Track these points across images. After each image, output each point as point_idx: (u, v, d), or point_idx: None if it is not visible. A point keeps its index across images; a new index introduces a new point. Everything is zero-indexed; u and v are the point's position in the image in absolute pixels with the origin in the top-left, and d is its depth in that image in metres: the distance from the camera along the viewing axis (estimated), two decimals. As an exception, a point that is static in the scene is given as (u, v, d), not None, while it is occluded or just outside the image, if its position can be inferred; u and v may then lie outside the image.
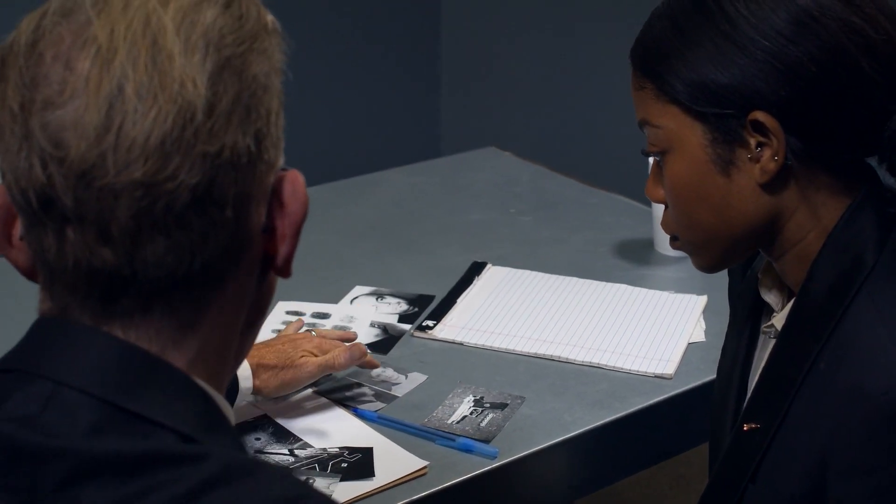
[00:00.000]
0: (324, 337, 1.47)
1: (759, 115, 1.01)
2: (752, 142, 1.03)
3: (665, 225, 1.15)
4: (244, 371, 1.36)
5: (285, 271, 0.75)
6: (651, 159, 1.13)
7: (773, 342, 1.12)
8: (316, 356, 1.41)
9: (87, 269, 0.67)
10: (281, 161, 0.73)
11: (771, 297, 1.15)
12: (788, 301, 1.12)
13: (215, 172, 0.67)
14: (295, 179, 0.74)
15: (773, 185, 1.04)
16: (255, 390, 1.38)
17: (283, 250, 0.74)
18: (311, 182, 2.34)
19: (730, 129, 1.03)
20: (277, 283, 1.85)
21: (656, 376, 1.51)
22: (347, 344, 1.45)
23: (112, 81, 0.65)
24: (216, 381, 0.73)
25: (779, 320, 1.11)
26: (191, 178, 0.66)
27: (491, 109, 3.78)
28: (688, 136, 1.05)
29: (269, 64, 0.71)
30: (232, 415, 0.75)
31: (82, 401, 0.67)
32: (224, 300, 0.71)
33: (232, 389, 1.34)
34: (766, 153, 1.03)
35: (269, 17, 0.73)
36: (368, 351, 1.48)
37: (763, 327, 1.15)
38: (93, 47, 0.66)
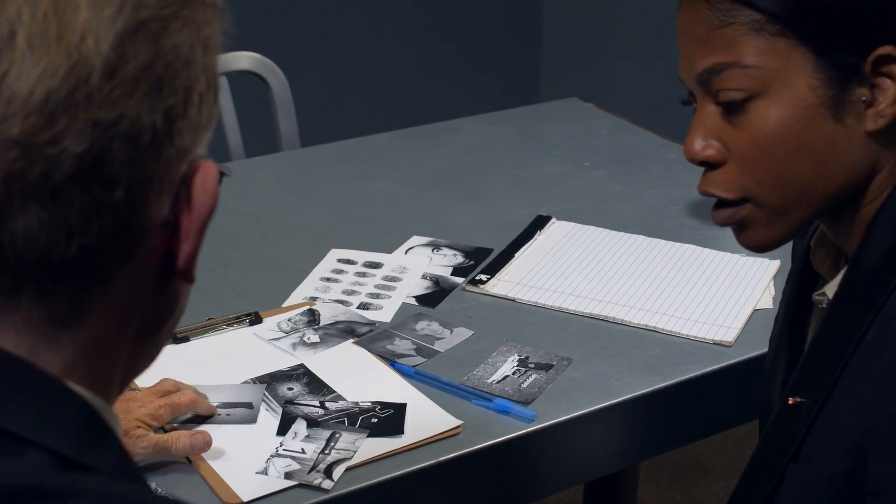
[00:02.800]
0: (160, 393, 1.26)
1: (890, 50, 0.90)
2: (870, 81, 0.91)
3: (724, 187, 0.98)
4: None
5: (187, 275, 0.66)
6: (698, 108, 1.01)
7: (824, 311, 1.03)
8: (149, 425, 1.22)
9: None
10: (201, 150, 0.64)
11: (824, 269, 1.06)
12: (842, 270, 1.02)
13: (107, 144, 0.58)
14: (207, 171, 0.64)
15: (883, 132, 0.93)
16: None
17: (184, 249, 0.64)
18: (403, 126, 2.28)
19: (849, 66, 0.91)
20: (332, 231, 1.76)
21: (715, 343, 1.43)
22: (190, 432, 1.22)
23: (3, 26, 0.57)
24: (101, 387, 0.64)
25: (830, 288, 1.02)
26: (76, 145, 0.57)
27: (591, 60, 3.67)
28: (794, 75, 0.92)
29: (198, 37, 0.62)
30: (119, 424, 0.66)
31: None
32: (110, 299, 0.62)
33: None
34: (883, 96, 0.91)
35: None
36: (212, 441, 1.23)
37: (815, 295, 1.06)
38: None
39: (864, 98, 0.92)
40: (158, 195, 0.62)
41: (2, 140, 0.57)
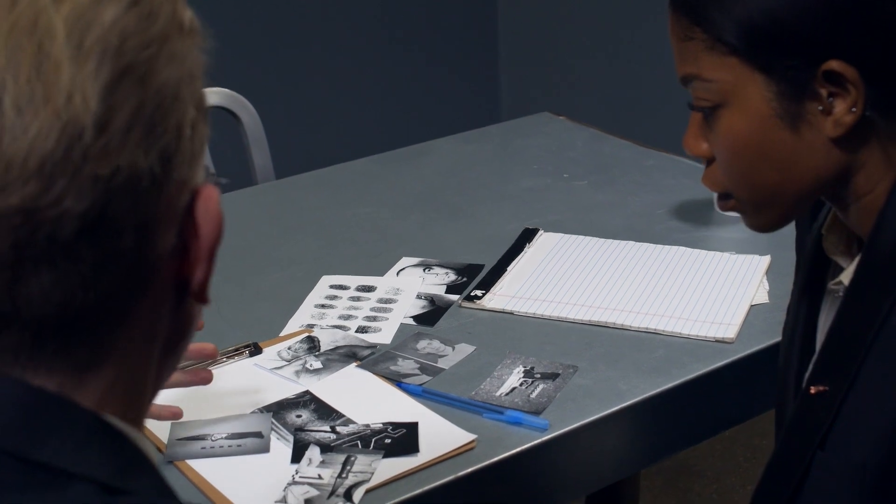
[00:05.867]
0: None
1: (835, 65, 0.91)
2: (824, 92, 0.93)
3: (712, 182, 1.04)
4: None
5: (202, 298, 0.66)
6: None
7: (840, 299, 1.03)
8: None
9: None
10: (199, 176, 0.64)
11: (837, 255, 1.07)
12: (856, 256, 1.03)
13: (109, 197, 0.58)
14: (209, 197, 0.64)
15: (845, 137, 0.94)
16: None
17: (197, 275, 0.65)
18: (372, 153, 2.27)
19: (799, 81, 0.93)
20: (321, 259, 1.76)
21: (717, 341, 1.43)
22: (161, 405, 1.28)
23: None
24: (133, 414, 0.65)
25: (846, 275, 1.03)
26: (78, 204, 0.57)
27: (550, 75, 3.70)
28: (749, 89, 0.95)
29: (182, 69, 0.61)
30: (153, 451, 0.67)
31: None
32: (133, 333, 0.63)
33: None
34: (840, 105, 0.93)
35: (187, 15, 0.63)
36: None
37: (830, 284, 1.07)
38: None
39: (820, 108, 0.93)
40: (165, 230, 0.62)
41: (4, 208, 0.56)
